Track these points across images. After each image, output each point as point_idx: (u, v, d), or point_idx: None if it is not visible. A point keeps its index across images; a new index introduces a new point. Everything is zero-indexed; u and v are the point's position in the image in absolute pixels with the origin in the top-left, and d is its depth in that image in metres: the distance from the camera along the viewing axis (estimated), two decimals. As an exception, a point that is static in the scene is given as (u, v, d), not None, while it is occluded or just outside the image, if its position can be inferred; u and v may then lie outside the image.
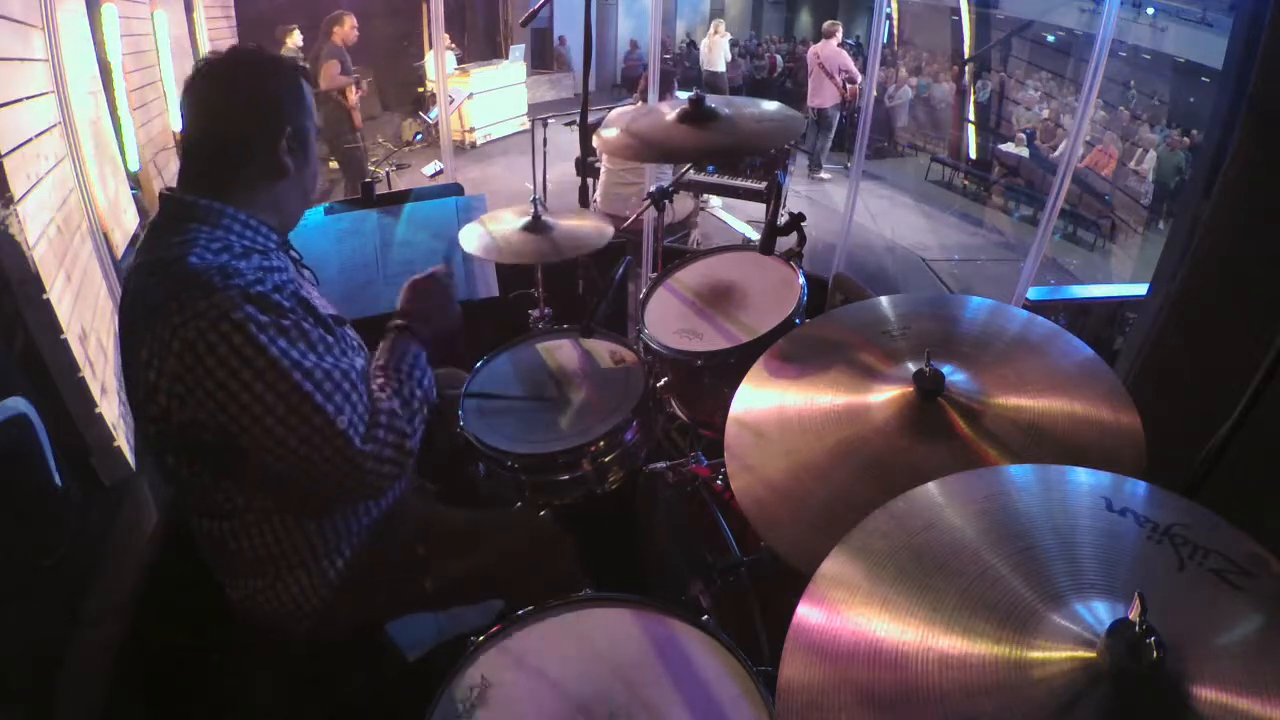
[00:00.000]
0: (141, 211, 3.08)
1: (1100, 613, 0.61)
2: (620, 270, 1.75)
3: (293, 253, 1.27)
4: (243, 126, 1.13)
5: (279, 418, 1.02)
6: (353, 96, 5.24)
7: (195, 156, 1.15)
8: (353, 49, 5.29)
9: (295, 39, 5.97)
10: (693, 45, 12.89)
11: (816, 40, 8.36)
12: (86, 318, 1.99)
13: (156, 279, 1.04)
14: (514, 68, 9.05)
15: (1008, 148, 8.31)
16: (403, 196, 2.30)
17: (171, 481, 1.16)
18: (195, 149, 1.15)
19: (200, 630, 1.41)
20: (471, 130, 8.25)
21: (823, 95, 7.45)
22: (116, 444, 1.88)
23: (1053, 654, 0.59)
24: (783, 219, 1.52)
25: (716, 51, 9.53)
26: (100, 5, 3.04)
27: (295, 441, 1.04)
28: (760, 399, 1.15)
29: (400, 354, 1.24)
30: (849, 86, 7.30)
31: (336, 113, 5.22)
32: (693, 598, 1.51)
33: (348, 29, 5.17)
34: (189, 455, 1.10)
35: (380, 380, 1.19)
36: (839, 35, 7.57)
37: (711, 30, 9.79)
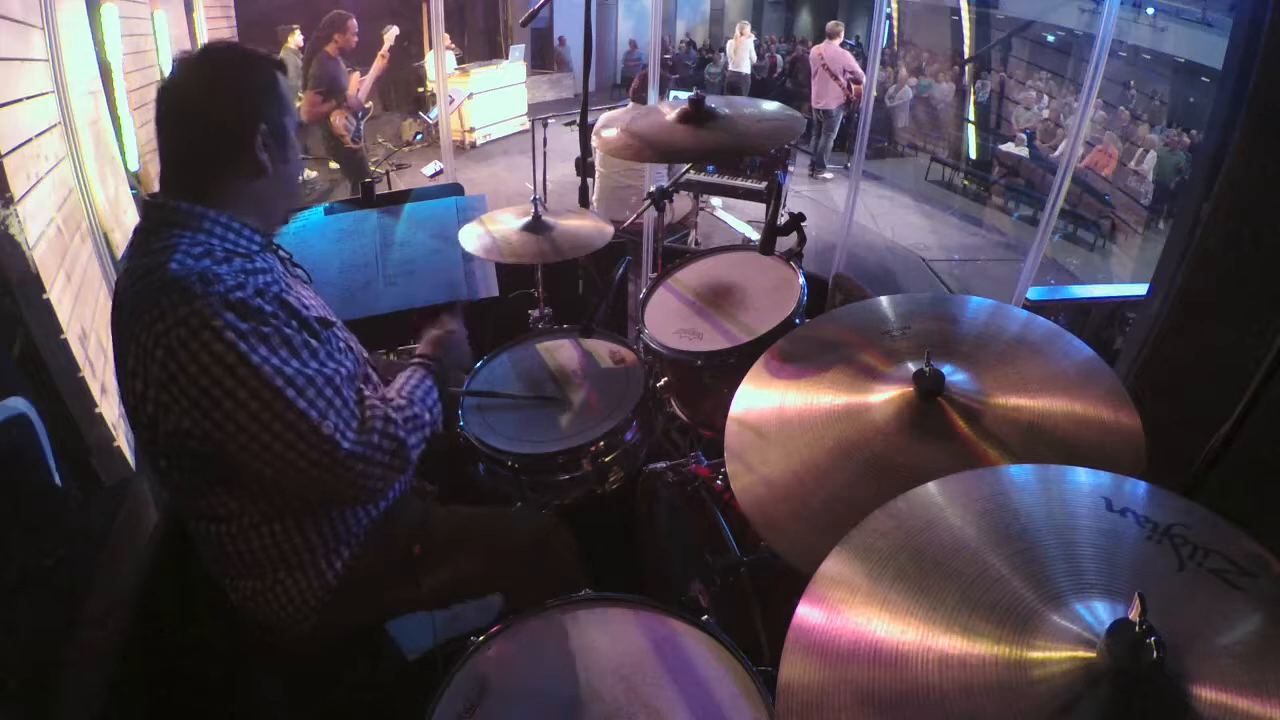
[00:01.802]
0: (142, 212, 3.08)
1: (1100, 613, 0.61)
2: (620, 270, 1.75)
3: (281, 252, 1.26)
4: (214, 124, 1.10)
5: (263, 424, 1.02)
6: (339, 125, 4.95)
7: (173, 158, 1.13)
8: (353, 51, 5.14)
9: (296, 39, 5.95)
10: (692, 45, 12.90)
11: (817, 40, 8.37)
12: (86, 318, 1.99)
13: (139, 287, 1.04)
14: (514, 68, 9.05)
15: (1008, 148, 8.31)
16: (403, 196, 2.29)
17: (166, 486, 1.16)
18: (172, 151, 1.13)
19: (200, 630, 1.41)
20: (471, 130, 8.25)
21: (827, 96, 7.42)
22: (116, 444, 1.88)
23: (1053, 654, 0.59)
24: (783, 219, 1.52)
25: (742, 53, 9.63)
26: (100, 5, 3.04)
27: (281, 447, 1.03)
28: (760, 399, 1.15)
29: (417, 382, 1.27)
30: (854, 87, 7.28)
31: (327, 136, 4.99)
32: (693, 598, 1.51)
33: (349, 35, 4.85)
34: (180, 462, 1.10)
35: (392, 394, 1.20)
36: (842, 35, 7.56)
37: (738, 32, 9.88)
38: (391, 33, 5.23)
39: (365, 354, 1.38)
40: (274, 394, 1.02)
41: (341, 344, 1.23)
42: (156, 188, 1.19)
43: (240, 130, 1.11)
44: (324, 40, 4.87)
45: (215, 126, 1.11)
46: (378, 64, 5.12)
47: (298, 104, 4.75)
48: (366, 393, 1.17)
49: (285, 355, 1.05)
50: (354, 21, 4.91)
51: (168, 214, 1.10)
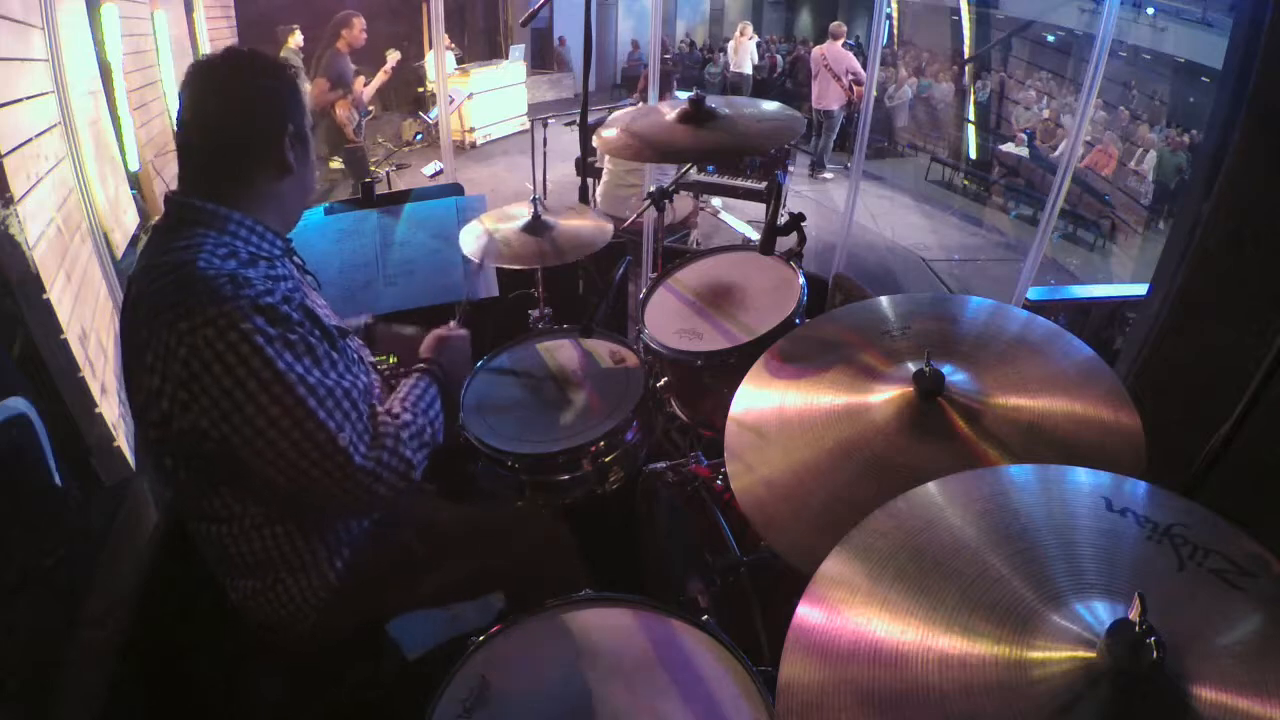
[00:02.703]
0: (141, 212, 3.09)
1: (1100, 613, 0.61)
2: (620, 270, 1.75)
3: (296, 259, 1.27)
4: (247, 125, 1.13)
5: (282, 431, 1.03)
6: (343, 116, 5.07)
7: (197, 156, 1.14)
8: (360, 53, 5.19)
9: (296, 39, 5.96)
10: (693, 45, 12.90)
11: (818, 40, 8.35)
12: (86, 318, 1.99)
13: (163, 283, 1.04)
14: (514, 68, 9.05)
15: (1008, 148, 8.31)
16: (403, 196, 2.29)
17: (169, 485, 1.16)
18: (198, 149, 1.14)
19: (200, 630, 1.41)
20: (471, 130, 8.25)
21: (829, 97, 7.40)
22: (116, 444, 1.88)
23: (1053, 654, 0.59)
24: (783, 219, 1.52)
25: (743, 53, 9.60)
26: (100, 5, 3.04)
27: (295, 455, 1.04)
28: (760, 399, 1.15)
29: (421, 392, 1.27)
30: (856, 88, 7.26)
31: (329, 129, 5.10)
32: (692, 598, 1.51)
33: (356, 32, 5.00)
34: (187, 461, 1.10)
35: (399, 409, 1.20)
36: (844, 36, 7.55)
37: (738, 32, 9.85)
38: (394, 56, 5.37)
39: (372, 358, 1.38)
40: (296, 401, 1.02)
41: (354, 354, 1.24)
42: (159, 187, 1.20)
43: (271, 132, 1.14)
44: (333, 37, 4.97)
45: (248, 129, 1.13)
46: (380, 77, 5.22)
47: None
48: (378, 408, 1.18)
49: (309, 364, 1.06)
50: (361, 20, 5.03)
51: (191, 212, 1.11)
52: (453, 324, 1.47)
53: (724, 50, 10.55)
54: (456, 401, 1.62)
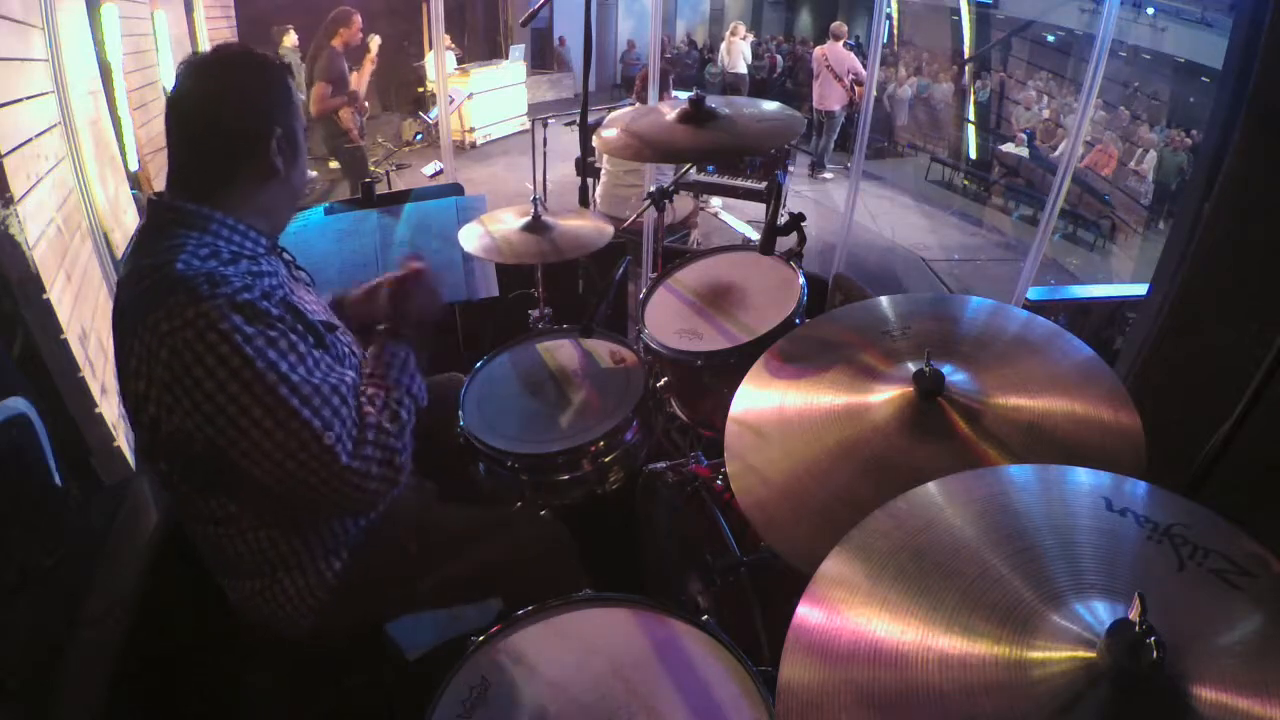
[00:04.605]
0: (141, 211, 3.09)
1: (1100, 613, 0.61)
2: (620, 270, 1.75)
3: (285, 255, 1.26)
4: (234, 128, 1.11)
5: (265, 431, 1.01)
6: (347, 119, 5.02)
7: (184, 159, 1.12)
8: (353, 50, 5.20)
9: (291, 39, 5.96)
10: (693, 45, 12.90)
11: (818, 40, 8.34)
12: (86, 318, 1.99)
13: (144, 286, 1.03)
14: (514, 68, 9.05)
15: (1008, 148, 8.32)
16: (403, 196, 2.30)
17: (166, 487, 1.16)
18: (184, 152, 1.12)
19: (200, 630, 1.41)
20: (471, 130, 8.25)
21: (831, 98, 7.39)
22: (116, 444, 1.88)
23: (1053, 654, 0.59)
24: (783, 219, 1.52)
25: (735, 54, 9.58)
26: (100, 5, 3.04)
27: (281, 455, 1.03)
28: (760, 399, 1.15)
29: (389, 361, 1.23)
30: (857, 88, 7.25)
31: (332, 131, 5.05)
32: (692, 598, 1.51)
33: (354, 30, 4.97)
34: (181, 464, 1.09)
35: (370, 392, 1.17)
36: (846, 36, 7.55)
37: (730, 32, 9.83)
38: (375, 41, 5.41)
39: (366, 355, 1.37)
40: (278, 401, 1.01)
41: (344, 349, 1.22)
42: (159, 187, 1.19)
43: (257, 134, 1.11)
44: (329, 34, 4.95)
45: (232, 129, 1.11)
46: (368, 66, 5.23)
47: (304, 98, 4.79)
48: (363, 401, 1.16)
49: (292, 361, 1.04)
50: (359, 18, 5.01)
51: (174, 214, 1.09)
52: (408, 262, 1.37)
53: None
54: (451, 344, 1.54)
